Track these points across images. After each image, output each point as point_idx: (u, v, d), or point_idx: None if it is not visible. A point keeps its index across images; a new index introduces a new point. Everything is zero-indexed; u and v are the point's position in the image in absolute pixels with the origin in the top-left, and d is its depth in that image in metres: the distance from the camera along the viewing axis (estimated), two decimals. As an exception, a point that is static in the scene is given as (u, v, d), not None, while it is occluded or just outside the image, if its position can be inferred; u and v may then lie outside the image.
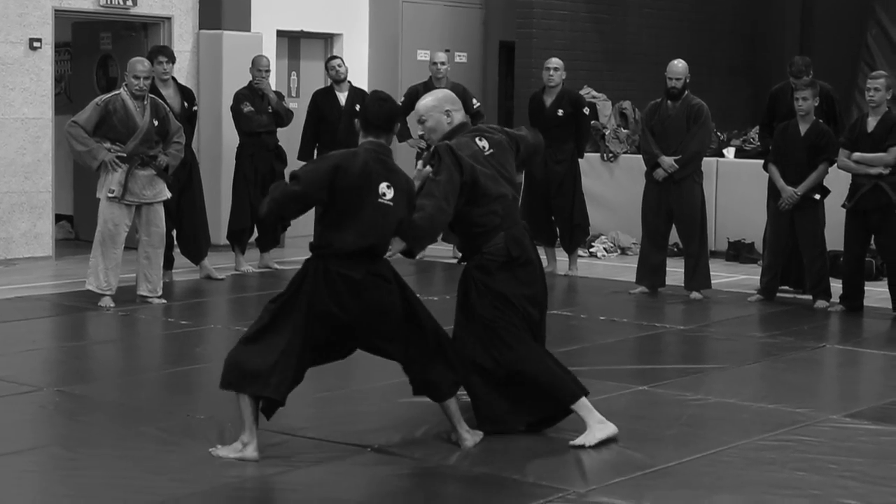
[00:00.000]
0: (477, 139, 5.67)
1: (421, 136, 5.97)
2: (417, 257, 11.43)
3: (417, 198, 5.45)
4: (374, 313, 5.29)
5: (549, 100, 10.86)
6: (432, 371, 5.44)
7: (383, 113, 5.43)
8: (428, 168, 5.54)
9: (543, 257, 10.93)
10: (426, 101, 5.77)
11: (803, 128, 9.27)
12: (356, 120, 5.58)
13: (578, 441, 5.50)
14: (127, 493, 4.84)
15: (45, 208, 11.42)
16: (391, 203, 5.32)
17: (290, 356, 5.22)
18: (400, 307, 5.37)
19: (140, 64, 9.07)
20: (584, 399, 5.59)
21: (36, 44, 11.27)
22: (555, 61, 10.93)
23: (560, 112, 10.80)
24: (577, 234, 11.00)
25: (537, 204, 10.79)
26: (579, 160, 11.05)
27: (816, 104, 9.31)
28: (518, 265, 5.63)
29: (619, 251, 12.37)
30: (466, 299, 5.67)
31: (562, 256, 11.04)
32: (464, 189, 5.51)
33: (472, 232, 5.64)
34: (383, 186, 5.31)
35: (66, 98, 12.86)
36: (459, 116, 5.72)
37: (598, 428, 5.53)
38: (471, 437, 5.50)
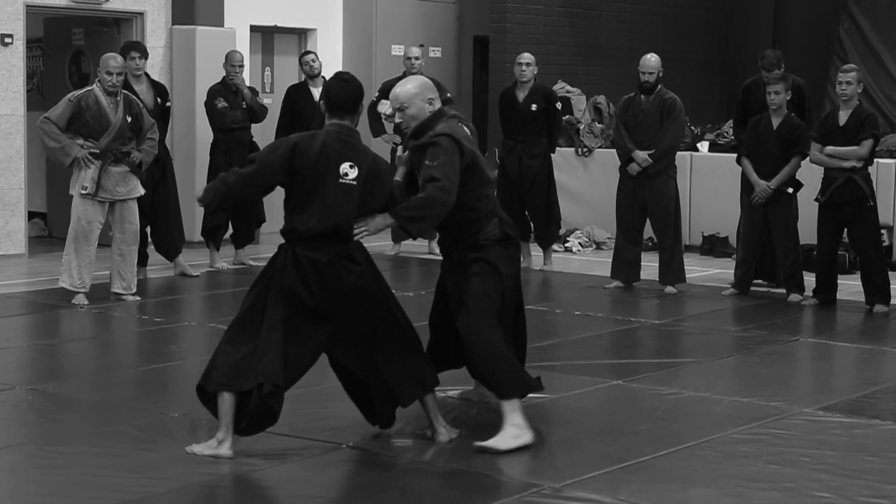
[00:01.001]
0: (463, 125, 5.64)
1: (396, 124, 5.77)
2: (393, 253, 11.52)
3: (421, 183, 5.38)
4: (342, 296, 5.24)
5: (521, 95, 10.86)
6: (398, 370, 5.40)
7: (346, 94, 5.39)
8: (408, 154, 5.50)
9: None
10: (407, 87, 5.58)
11: (776, 121, 9.31)
12: (321, 103, 5.59)
13: (488, 444, 5.34)
14: (101, 491, 4.82)
15: (18, 205, 11.36)
16: (354, 182, 5.28)
17: (271, 341, 5.18)
18: (375, 291, 5.35)
19: (113, 60, 9.03)
20: (517, 400, 5.50)
21: (7, 39, 11.20)
22: (526, 56, 10.94)
23: (533, 107, 10.80)
24: (551, 229, 11.02)
25: (511, 199, 10.78)
26: (552, 155, 11.06)
27: (789, 98, 9.35)
28: (512, 244, 5.64)
29: (594, 246, 12.40)
30: (460, 277, 5.56)
31: (536, 251, 11.06)
32: (466, 171, 5.46)
33: (468, 217, 5.54)
34: (345, 166, 5.28)
35: (39, 94, 12.78)
36: (438, 104, 5.64)
37: (514, 434, 5.37)
38: (446, 433, 5.51)
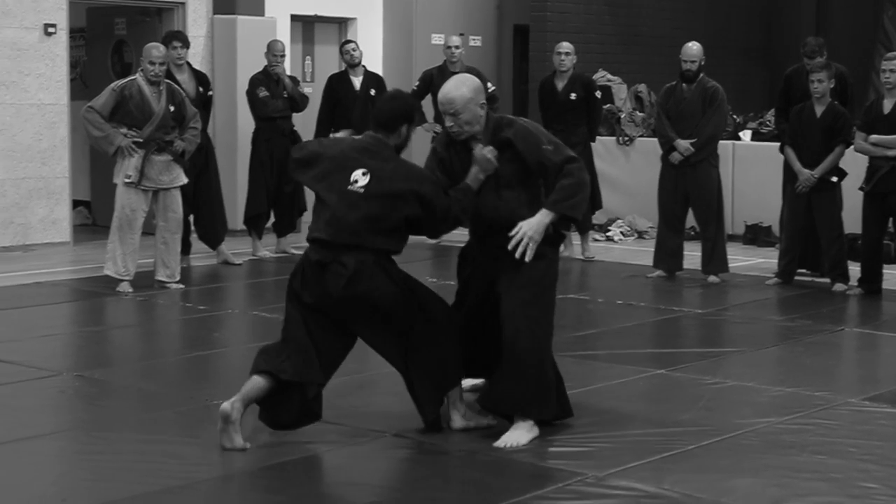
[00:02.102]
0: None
1: (447, 128, 5.43)
2: (435, 241, 11.49)
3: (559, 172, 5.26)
4: (337, 301, 5.21)
5: (560, 84, 10.83)
6: (424, 385, 5.36)
7: (385, 110, 5.36)
8: (490, 148, 5.33)
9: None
10: (462, 92, 5.30)
11: (819, 110, 9.23)
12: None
13: (508, 442, 5.27)
14: (146, 476, 4.86)
15: (63, 194, 11.45)
16: (361, 190, 5.20)
17: (295, 339, 5.23)
18: (385, 302, 5.22)
19: (155, 49, 9.07)
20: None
21: (51, 29, 11.28)
22: (566, 45, 10.90)
23: (572, 96, 10.77)
24: (588, 217, 10.94)
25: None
26: (592, 144, 11.02)
27: (832, 86, 9.27)
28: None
29: (635, 235, 12.35)
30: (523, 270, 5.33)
31: (576, 240, 11.02)
32: None
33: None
34: (357, 173, 5.22)
35: (82, 83, 12.87)
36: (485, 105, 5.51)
37: (528, 427, 5.33)
38: (460, 421, 5.45)
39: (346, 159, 5.27)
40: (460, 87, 5.34)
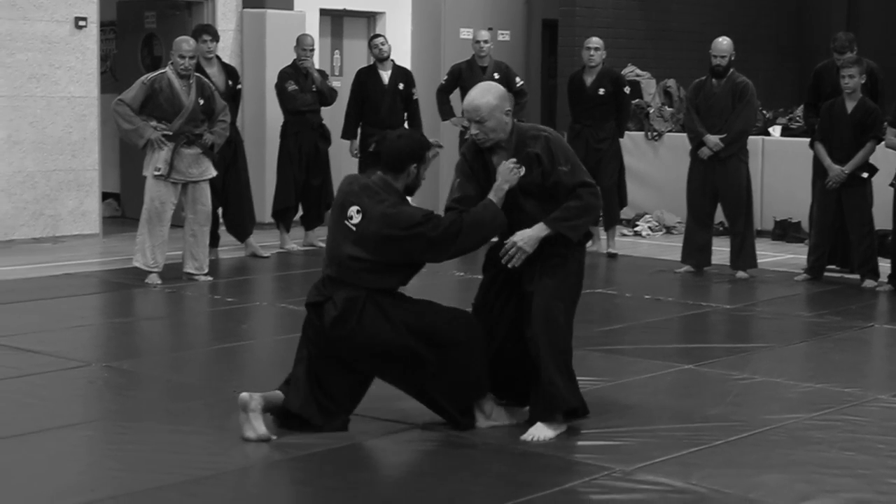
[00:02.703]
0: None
1: (473, 135, 5.40)
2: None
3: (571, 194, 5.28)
4: (327, 341, 5.24)
5: (589, 79, 10.81)
6: (446, 404, 5.36)
7: (391, 151, 5.30)
8: (513, 162, 5.30)
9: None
10: (488, 100, 5.31)
11: (850, 105, 9.18)
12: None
13: (535, 435, 5.28)
14: (174, 466, 4.88)
15: (92, 186, 11.51)
16: (353, 227, 5.23)
17: (295, 377, 5.33)
18: (355, 342, 5.21)
19: (185, 43, 9.11)
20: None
21: (81, 22, 11.33)
22: (595, 41, 10.88)
23: (601, 91, 10.75)
24: (615, 211, 10.90)
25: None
26: (621, 140, 10.98)
27: (863, 81, 9.21)
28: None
29: (663, 230, 12.32)
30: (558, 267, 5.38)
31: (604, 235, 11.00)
32: None
33: None
34: (353, 210, 5.25)
35: (112, 77, 12.93)
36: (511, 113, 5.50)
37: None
38: (485, 421, 5.41)
39: (349, 194, 5.30)
40: (486, 94, 5.35)
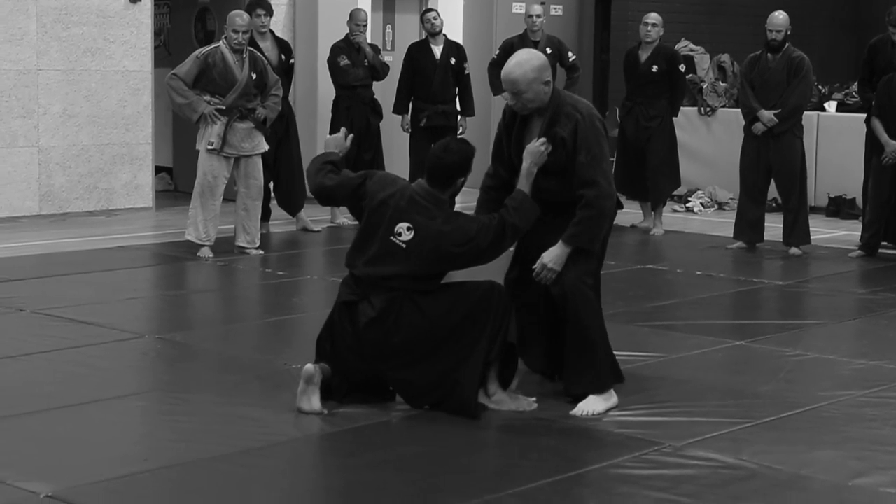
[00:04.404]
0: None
1: (511, 105, 5.43)
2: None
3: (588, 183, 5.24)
4: (355, 339, 5.26)
5: (644, 55, 10.72)
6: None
7: (440, 167, 5.23)
8: (542, 140, 5.29)
9: (640, 213, 10.87)
10: (525, 71, 5.26)
11: (908, 81, 9.06)
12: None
13: (585, 409, 5.28)
14: (226, 438, 4.92)
15: (146, 160, 11.60)
16: (403, 244, 5.18)
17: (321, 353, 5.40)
18: (388, 341, 5.22)
19: (239, 18, 9.13)
20: None
21: (136, -3, 11.41)
22: (653, 17, 10.79)
23: (654, 68, 10.66)
24: (662, 188, 10.75)
25: (629, 160, 10.69)
26: (674, 118, 10.87)
27: (920, 56, 9.09)
28: None
29: (715, 206, 12.23)
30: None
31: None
32: None
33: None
34: (402, 226, 5.19)
35: (166, 51, 13.01)
36: (552, 82, 5.46)
37: (605, 396, 5.35)
38: (489, 404, 5.35)
39: (396, 209, 5.21)
40: (523, 65, 5.30)
